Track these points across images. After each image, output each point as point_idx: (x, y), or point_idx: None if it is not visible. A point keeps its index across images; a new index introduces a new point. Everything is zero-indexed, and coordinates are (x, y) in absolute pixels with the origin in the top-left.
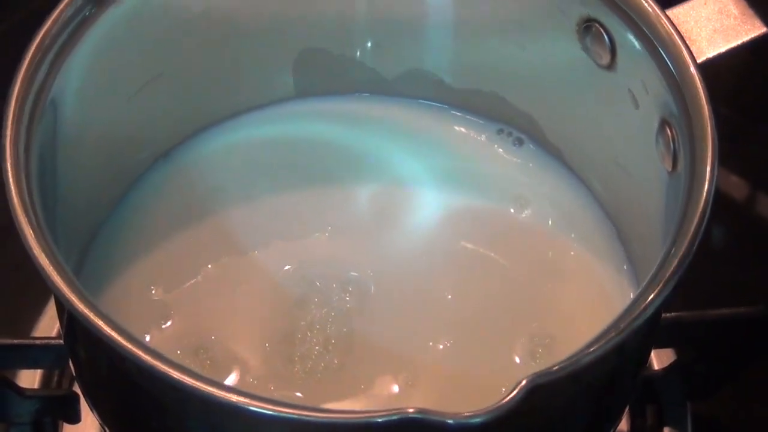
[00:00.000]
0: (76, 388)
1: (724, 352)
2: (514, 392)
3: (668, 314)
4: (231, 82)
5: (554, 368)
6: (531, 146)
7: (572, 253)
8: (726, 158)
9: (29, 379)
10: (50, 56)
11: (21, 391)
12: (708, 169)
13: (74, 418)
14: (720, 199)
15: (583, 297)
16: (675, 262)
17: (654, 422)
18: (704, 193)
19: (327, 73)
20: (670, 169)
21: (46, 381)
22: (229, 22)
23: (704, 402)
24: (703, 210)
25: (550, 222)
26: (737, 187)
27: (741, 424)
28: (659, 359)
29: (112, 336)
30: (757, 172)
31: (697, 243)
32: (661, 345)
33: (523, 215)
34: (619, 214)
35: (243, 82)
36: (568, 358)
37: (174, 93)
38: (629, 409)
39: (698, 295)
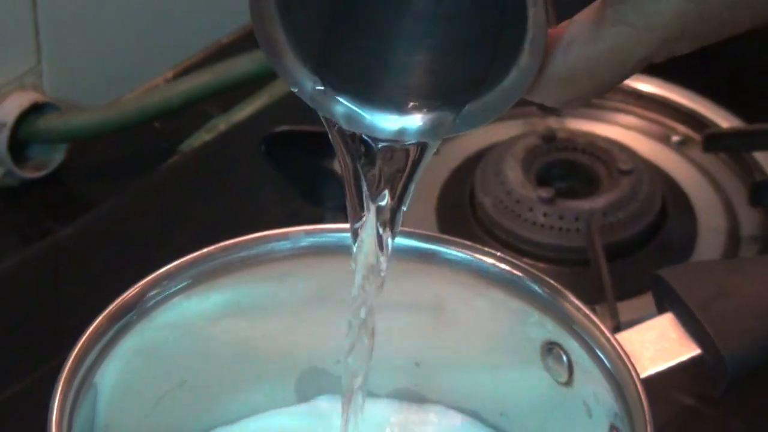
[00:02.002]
0: None
1: None
2: None
3: None
4: (241, 389)
5: None
6: None
7: None
8: None
9: None
10: (92, 354)
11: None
12: None
13: None
14: None
15: None
16: None
17: None
18: None
19: (324, 385)
20: None
21: None
22: (245, 343)
23: None
24: None
25: None
26: None
27: None
28: None
29: None
30: None
31: None
32: None
33: None
34: None
35: (251, 392)
36: None
37: (193, 399)
38: None
39: None
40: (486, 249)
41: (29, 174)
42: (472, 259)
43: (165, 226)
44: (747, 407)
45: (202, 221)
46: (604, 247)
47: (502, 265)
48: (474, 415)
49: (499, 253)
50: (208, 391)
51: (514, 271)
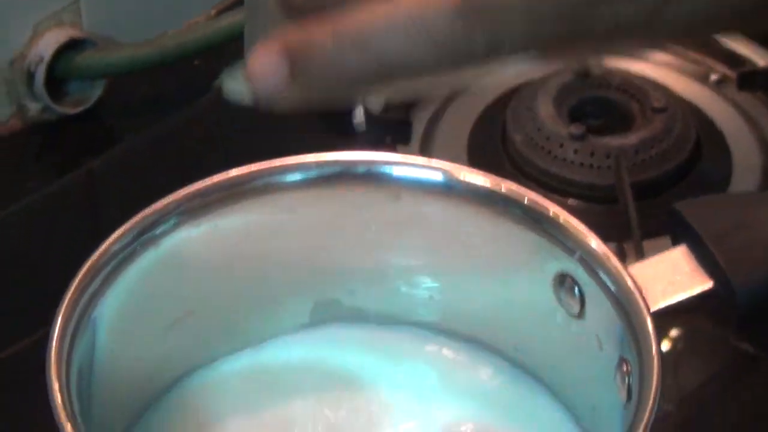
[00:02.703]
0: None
1: None
2: None
3: None
4: (253, 319)
5: None
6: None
7: None
8: None
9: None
10: (94, 285)
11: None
12: (650, 402)
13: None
14: None
15: None
16: None
17: None
18: (644, 420)
19: (337, 314)
20: (625, 401)
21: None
22: (255, 269)
23: None
24: None
25: None
26: None
27: None
28: None
29: None
30: None
31: None
32: None
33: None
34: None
35: (264, 319)
36: None
37: (202, 329)
38: None
39: None
40: (499, 178)
41: (67, 110)
42: (486, 188)
43: (201, 158)
44: None
45: (237, 155)
46: (635, 185)
47: (515, 195)
48: (489, 348)
49: (512, 183)
50: (217, 320)
51: (527, 201)
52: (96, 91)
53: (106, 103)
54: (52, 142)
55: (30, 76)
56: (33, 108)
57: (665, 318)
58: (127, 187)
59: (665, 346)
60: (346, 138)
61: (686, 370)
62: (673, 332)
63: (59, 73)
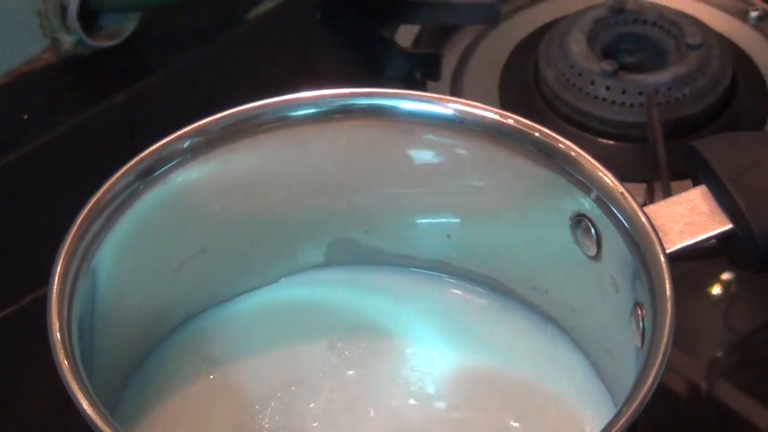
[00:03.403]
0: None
1: None
2: None
3: None
4: (266, 258)
5: None
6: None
7: (567, 409)
8: None
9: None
10: (97, 223)
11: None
12: (662, 347)
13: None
14: None
15: None
16: (621, 420)
17: None
18: (655, 367)
19: (352, 254)
20: (639, 346)
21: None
22: (269, 207)
23: None
24: (651, 383)
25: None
26: None
27: None
28: None
29: None
30: None
31: (641, 408)
32: None
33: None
34: (606, 379)
35: (277, 258)
36: None
37: (214, 268)
38: None
39: None
40: (513, 116)
41: (100, 43)
42: (495, 121)
43: (233, 90)
44: None
45: (268, 87)
46: (666, 124)
47: (525, 128)
48: (505, 289)
49: (522, 118)
50: (230, 259)
51: (537, 135)
52: (130, 24)
53: (141, 36)
54: (86, 76)
55: (63, 9)
56: (67, 41)
57: (715, 262)
58: (160, 119)
59: (716, 290)
60: (375, 74)
61: (736, 316)
62: (725, 275)
63: (93, 6)
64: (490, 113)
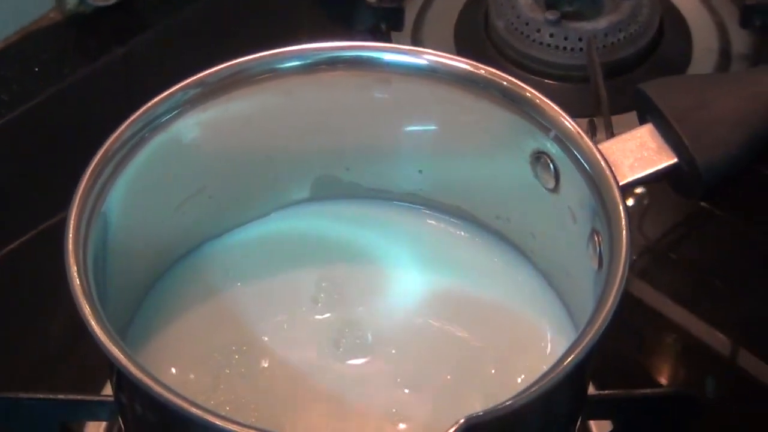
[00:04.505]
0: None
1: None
2: (453, 428)
3: (605, 391)
4: (258, 195)
5: (488, 411)
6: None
7: (528, 325)
8: None
9: None
10: (107, 170)
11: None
12: (620, 271)
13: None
14: None
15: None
16: (585, 340)
17: None
18: (615, 288)
19: (335, 189)
20: (597, 269)
21: None
22: (260, 149)
23: None
24: (612, 304)
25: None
26: None
27: None
28: (600, 429)
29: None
30: None
31: (603, 330)
32: (599, 417)
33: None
34: (566, 298)
35: (268, 195)
36: (501, 404)
37: (212, 205)
38: None
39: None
40: (479, 64)
41: (101, 2)
42: (467, 71)
43: (216, 42)
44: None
45: (257, 39)
46: (604, 66)
47: (494, 78)
48: (472, 218)
49: (491, 68)
50: (226, 196)
51: (506, 84)
52: None
53: None
54: (88, 34)
55: None
56: (71, 1)
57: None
58: (159, 71)
59: (630, 201)
60: (347, 27)
61: (648, 224)
62: (638, 190)
63: None
64: (463, 64)
